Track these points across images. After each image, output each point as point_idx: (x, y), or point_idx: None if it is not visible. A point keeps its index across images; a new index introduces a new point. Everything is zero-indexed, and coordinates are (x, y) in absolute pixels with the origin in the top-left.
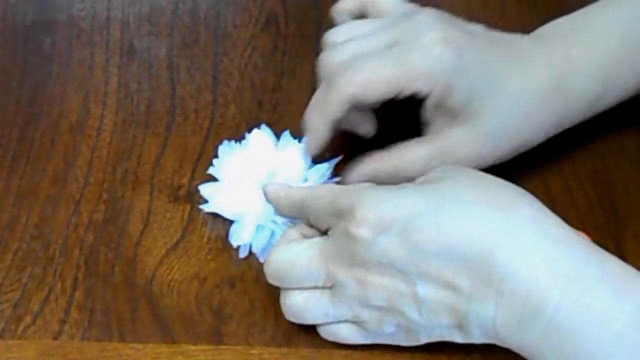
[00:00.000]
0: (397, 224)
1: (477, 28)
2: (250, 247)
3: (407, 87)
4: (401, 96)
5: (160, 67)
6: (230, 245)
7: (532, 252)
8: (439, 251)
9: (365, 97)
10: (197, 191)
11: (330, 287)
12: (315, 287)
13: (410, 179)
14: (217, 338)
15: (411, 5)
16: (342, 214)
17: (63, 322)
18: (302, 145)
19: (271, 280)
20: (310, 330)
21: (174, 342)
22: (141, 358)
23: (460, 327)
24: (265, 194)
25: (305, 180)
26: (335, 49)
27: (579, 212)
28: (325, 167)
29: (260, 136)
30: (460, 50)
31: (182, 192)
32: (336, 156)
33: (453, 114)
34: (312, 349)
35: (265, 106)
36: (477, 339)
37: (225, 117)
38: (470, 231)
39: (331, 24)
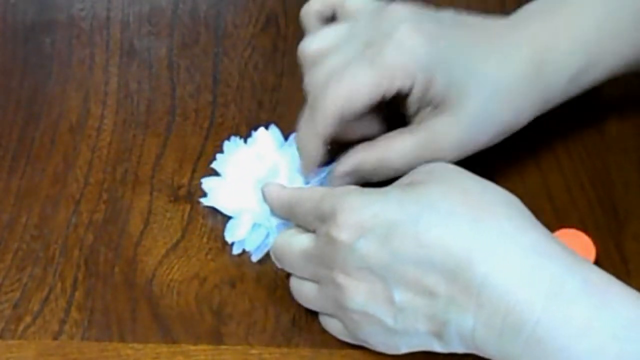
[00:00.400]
0: (377, 230)
1: (448, 15)
2: (244, 245)
3: (389, 87)
4: (387, 97)
5: (160, 67)
6: (230, 245)
7: (511, 266)
8: (418, 260)
9: (351, 108)
10: (198, 191)
11: (317, 282)
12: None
13: (395, 170)
14: (217, 338)
15: (379, 3)
16: (325, 218)
17: (63, 322)
18: None
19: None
20: (310, 330)
21: (174, 342)
22: (141, 358)
23: (439, 335)
24: (263, 193)
25: (307, 183)
26: (315, 66)
27: (579, 212)
28: (326, 170)
29: (266, 135)
30: (433, 39)
31: (182, 192)
32: (336, 159)
33: (434, 104)
34: (312, 349)
35: (265, 106)
36: (457, 348)
37: (225, 117)
38: (449, 243)
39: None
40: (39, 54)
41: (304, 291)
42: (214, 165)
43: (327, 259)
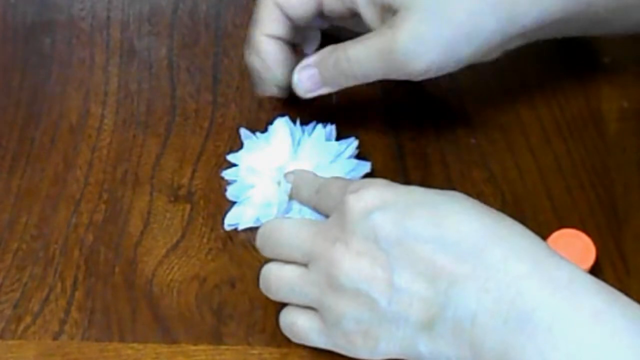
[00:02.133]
0: (396, 207)
1: None
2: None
3: None
4: (329, 6)
5: (160, 67)
6: (230, 245)
7: (523, 254)
8: (431, 238)
9: (290, 6)
10: (198, 191)
11: (306, 265)
12: (293, 262)
13: (362, 73)
14: (217, 338)
15: None
16: (350, 192)
17: (63, 322)
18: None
19: (257, 244)
20: None
21: (174, 342)
22: (141, 358)
23: (429, 327)
24: (289, 176)
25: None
26: None
27: (579, 212)
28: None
29: (283, 127)
30: None
31: (182, 192)
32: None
33: (391, 10)
34: (312, 349)
35: (265, 106)
36: (445, 344)
37: (225, 117)
38: (467, 227)
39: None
40: (39, 54)
41: (285, 275)
42: (230, 157)
43: (336, 229)
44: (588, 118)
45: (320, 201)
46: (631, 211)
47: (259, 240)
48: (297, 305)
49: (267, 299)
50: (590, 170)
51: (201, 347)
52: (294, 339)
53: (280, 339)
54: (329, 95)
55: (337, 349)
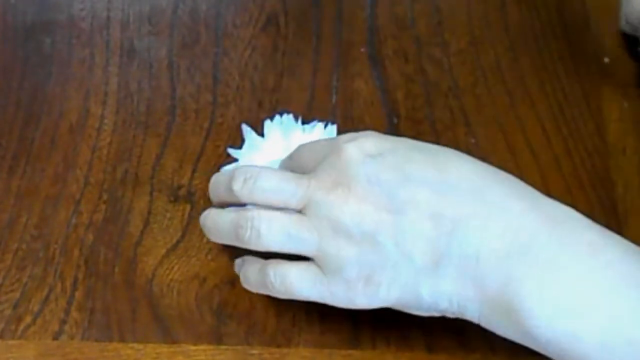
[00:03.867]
0: (396, 153)
1: None
2: None
3: None
4: None
5: (160, 67)
6: (230, 245)
7: (522, 194)
8: (432, 181)
9: None
10: (198, 191)
11: (300, 211)
12: (284, 208)
13: None
14: (217, 338)
15: None
16: (346, 141)
17: (63, 322)
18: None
19: (235, 186)
20: (310, 330)
21: (174, 342)
22: (141, 358)
23: (433, 268)
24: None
25: None
26: None
27: (579, 212)
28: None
29: (273, 129)
30: None
31: (182, 192)
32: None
33: None
34: (312, 349)
35: (265, 106)
36: (446, 287)
37: (225, 117)
38: (466, 172)
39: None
40: (39, 54)
41: (279, 219)
42: (230, 151)
43: (334, 173)
44: (588, 118)
45: (297, 162)
46: (631, 211)
47: (237, 183)
48: (286, 257)
49: (267, 299)
50: (590, 170)
51: (201, 347)
52: (280, 294)
53: (280, 339)
54: (329, 95)
55: (332, 299)
